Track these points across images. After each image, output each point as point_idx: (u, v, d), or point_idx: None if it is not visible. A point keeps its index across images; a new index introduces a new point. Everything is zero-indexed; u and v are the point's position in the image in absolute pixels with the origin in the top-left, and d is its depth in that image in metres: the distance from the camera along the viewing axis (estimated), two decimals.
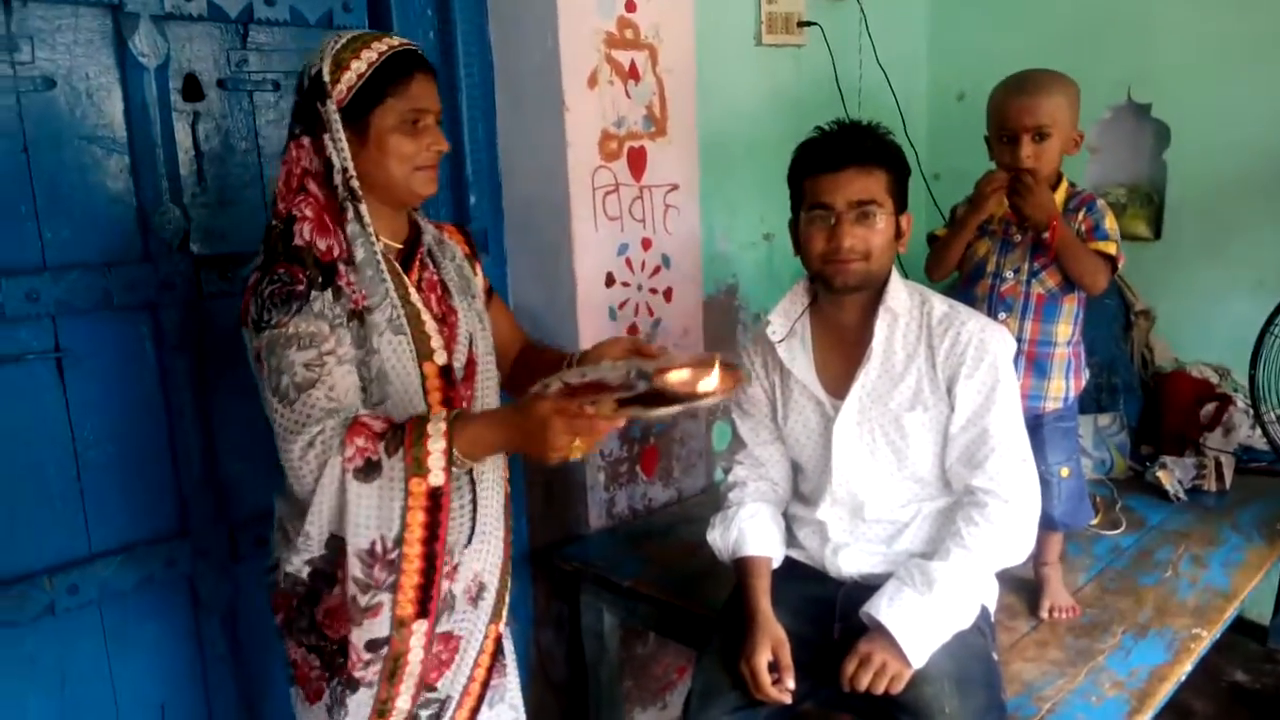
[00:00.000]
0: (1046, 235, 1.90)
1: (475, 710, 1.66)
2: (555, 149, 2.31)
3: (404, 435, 1.37)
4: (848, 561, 1.78)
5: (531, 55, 2.30)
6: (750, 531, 1.79)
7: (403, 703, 1.52)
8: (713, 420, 2.81)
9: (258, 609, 2.15)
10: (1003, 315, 1.99)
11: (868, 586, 1.70)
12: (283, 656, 1.59)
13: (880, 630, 1.58)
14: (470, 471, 1.53)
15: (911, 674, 1.55)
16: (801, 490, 1.89)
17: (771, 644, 1.65)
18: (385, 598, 1.43)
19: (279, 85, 2.09)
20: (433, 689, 1.58)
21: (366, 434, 1.37)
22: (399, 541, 1.40)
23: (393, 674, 1.49)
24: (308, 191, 1.45)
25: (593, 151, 2.35)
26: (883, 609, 1.59)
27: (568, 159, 2.30)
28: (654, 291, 2.55)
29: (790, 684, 1.63)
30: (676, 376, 1.49)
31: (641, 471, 2.61)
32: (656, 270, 2.55)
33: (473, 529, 1.57)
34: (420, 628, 1.47)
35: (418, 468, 1.36)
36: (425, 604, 1.45)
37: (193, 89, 1.98)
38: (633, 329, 2.51)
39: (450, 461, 1.38)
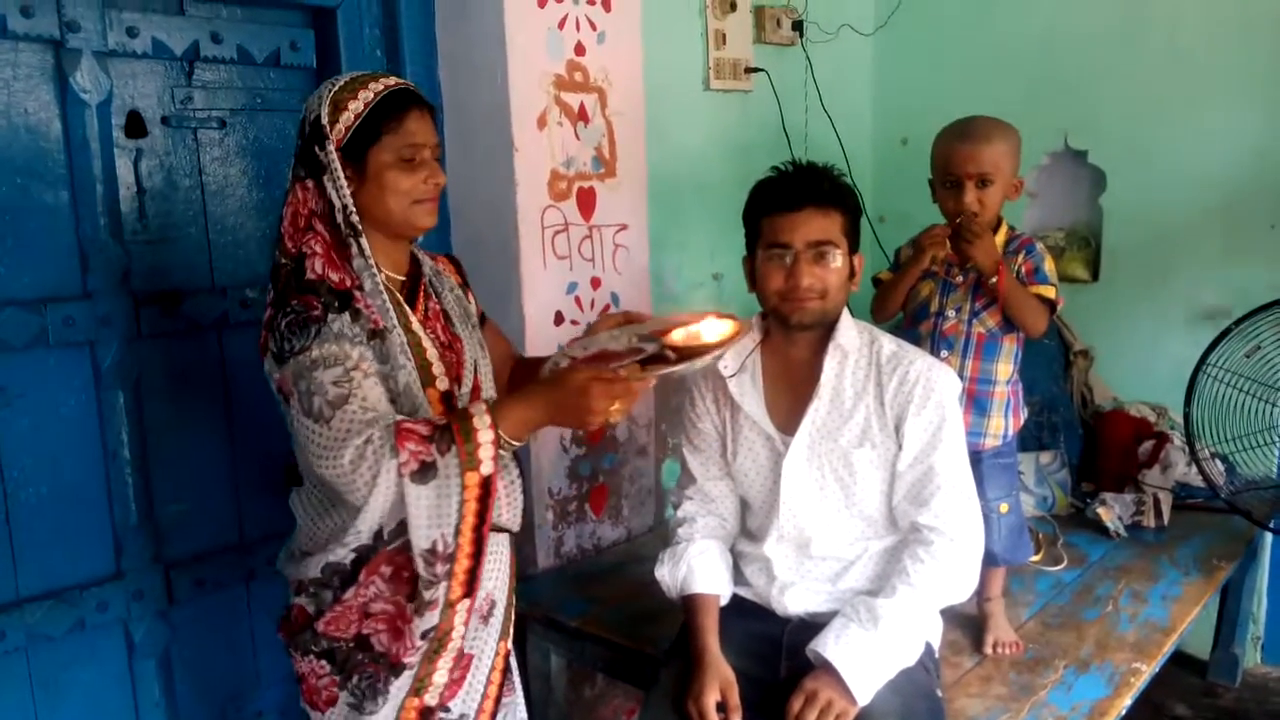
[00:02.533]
0: (994, 281, 1.95)
1: None
2: (504, 188, 2.32)
3: (453, 433, 1.40)
4: (794, 600, 1.78)
5: (481, 96, 2.32)
6: (699, 569, 1.79)
7: (439, 678, 1.56)
8: (662, 458, 2.81)
9: (195, 653, 2.10)
10: (944, 354, 2.03)
11: (814, 625, 1.70)
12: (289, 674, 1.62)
13: (826, 667, 1.58)
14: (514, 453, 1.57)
15: (857, 711, 1.55)
16: (749, 526, 1.89)
17: (720, 684, 1.64)
18: (443, 586, 1.46)
19: (224, 123, 2.08)
20: (446, 708, 1.60)
21: (415, 438, 1.39)
22: (456, 532, 1.43)
23: (436, 651, 1.54)
24: (315, 230, 1.50)
25: (542, 191, 2.36)
26: (829, 646, 1.59)
27: (517, 198, 2.31)
28: None
29: None
30: (682, 334, 1.56)
31: (590, 510, 2.60)
32: (606, 309, 2.55)
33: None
34: (464, 605, 1.51)
35: (470, 462, 1.40)
36: (472, 584, 1.49)
37: (136, 126, 1.96)
38: None
39: (499, 449, 1.43)
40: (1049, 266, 2.02)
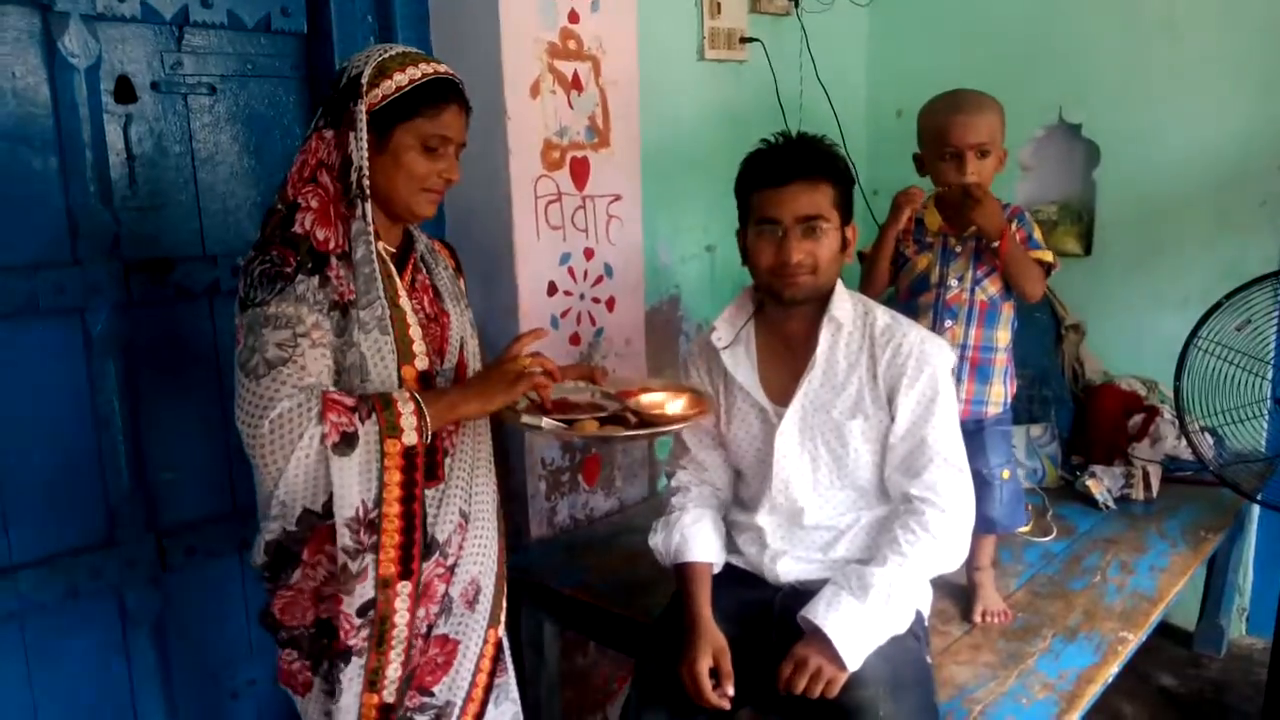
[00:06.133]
0: (997, 244, 1.95)
1: (480, 715, 1.69)
2: (497, 157, 2.31)
3: (373, 403, 1.42)
4: (785, 568, 1.79)
5: (473, 64, 2.29)
6: (693, 537, 1.80)
7: (392, 671, 1.52)
8: None
9: (188, 620, 2.11)
10: (949, 323, 2.04)
11: (804, 592, 1.71)
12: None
13: (817, 634, 1.59)
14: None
15: (846, 677, 1.57)
16: (742, 496, 1.90)
17: (712, 650, 1.66)
18: (369, 558, 1.45)
19: (215, 89, 2.06)
20: (429, 693, 1.60)
21: (339, 409, 1.40)
22: (379, 501, 1.43)
23: (381, 639, 1.49)
24: (318, 183, 1.49)
25: (535, 160, 2.35)
26: (820, 613, 1.61)
27: (510, 167, 2.30)
28: (596, 301, 2.56)
29: (730, 690, 1.63)
30: (649, 399, 1.54)
31: (583, 480, 2.60)
32: (599, 280, 2.55)
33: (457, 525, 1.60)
34: (404, 589, 1.49)
35: (391, 430, 1.42)
36: (408, 563, 1.48)
37: (125, 91, 1.94)
38: (575, 338, 2.51)
39: (422, 422, 1.44)
40: (1039, 234, 2.05)
